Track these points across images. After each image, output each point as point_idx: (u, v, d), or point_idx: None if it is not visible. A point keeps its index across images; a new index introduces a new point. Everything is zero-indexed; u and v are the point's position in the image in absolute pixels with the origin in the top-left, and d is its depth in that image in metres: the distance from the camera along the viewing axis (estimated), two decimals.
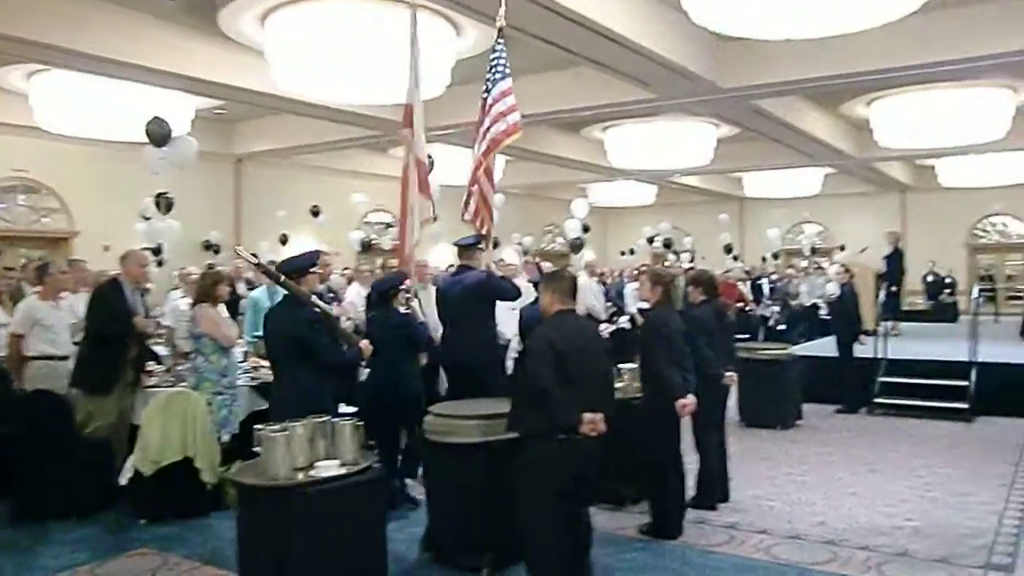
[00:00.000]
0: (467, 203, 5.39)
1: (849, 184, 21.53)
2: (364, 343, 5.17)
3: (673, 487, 5.21)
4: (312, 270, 5.06)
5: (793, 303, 14.17)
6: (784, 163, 17.86)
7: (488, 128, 5.26)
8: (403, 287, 5.83)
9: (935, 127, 13.49)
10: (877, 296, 11.94)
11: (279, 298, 5.17)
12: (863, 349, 9.30)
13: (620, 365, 5.84)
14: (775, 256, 17.39)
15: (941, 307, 17.30)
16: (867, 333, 9.77)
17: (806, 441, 7.91)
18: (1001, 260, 22.61)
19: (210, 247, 15.59)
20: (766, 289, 14.40)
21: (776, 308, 14.36)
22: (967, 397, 8.79)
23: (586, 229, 16.90)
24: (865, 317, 9.63)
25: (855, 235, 20.32)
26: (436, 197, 6.30)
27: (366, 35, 9.19)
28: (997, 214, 22.21)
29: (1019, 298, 20.85)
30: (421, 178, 5.40)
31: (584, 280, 9.92)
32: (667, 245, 16.19)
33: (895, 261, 12.11)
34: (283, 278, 4.78)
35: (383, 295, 5.84)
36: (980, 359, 9.07)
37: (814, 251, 18.50)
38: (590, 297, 10.41)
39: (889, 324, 12.17)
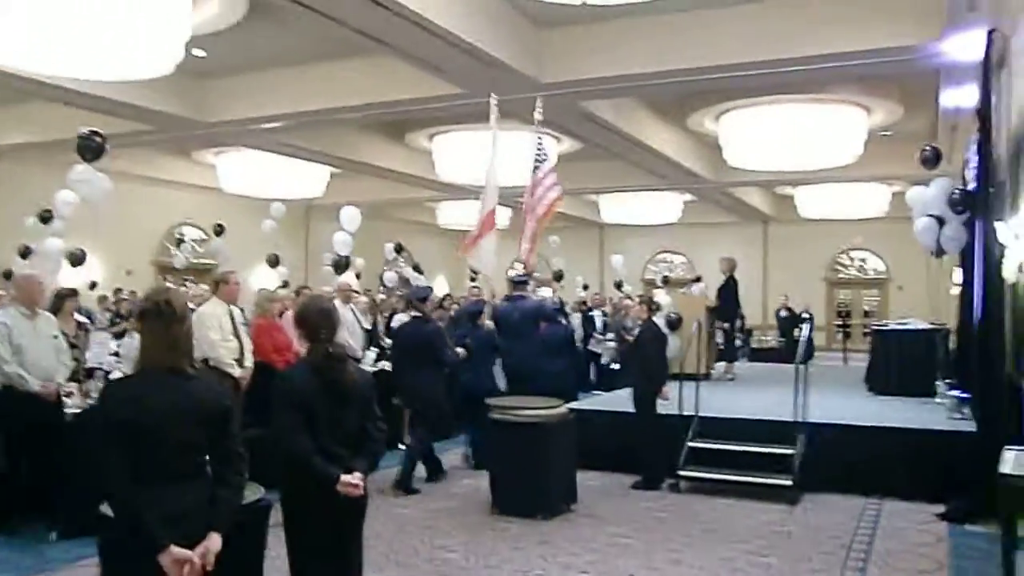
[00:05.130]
0: (531, 251, 7.34)
1: (711, 213, 20.40)
2: (461, 350, 7.35)
3: None
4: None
5: (630, 338, 11.99)
6: (636, 185, 16.39)
7: (541, 198, 7.29)
8: (483, 310, 7.93)
9: (786, 145, 12.00)
10: (711, 334, 10.07)
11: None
12: (667, 404, 7.04)
13: None
14: (618, 286, 15.53)
15: (794, 345, 15.43)
16: (696, 377, 7.64)
17: (561, 544, 5.41)
18: (859, 295, 21.65)
19: None
20: (599, 323, 12.24)
21: (612, 344, 12.21)
22: (792, 469, 6.63)
23: (399, 250, 14.57)
24: (670, 363, 7.41)
25: (717, 266, 18.98)
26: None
27: None
28: (856, 248, 21.31)
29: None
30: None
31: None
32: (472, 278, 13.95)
33: (729, 293, 10.09)
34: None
35: (473, 316, 8.01)
36: (810, 418, 6.97)
37: (667, 280, 16.67)
38: (343, 332, 8.19)
39: (722, 366, 10.45)
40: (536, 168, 7.32)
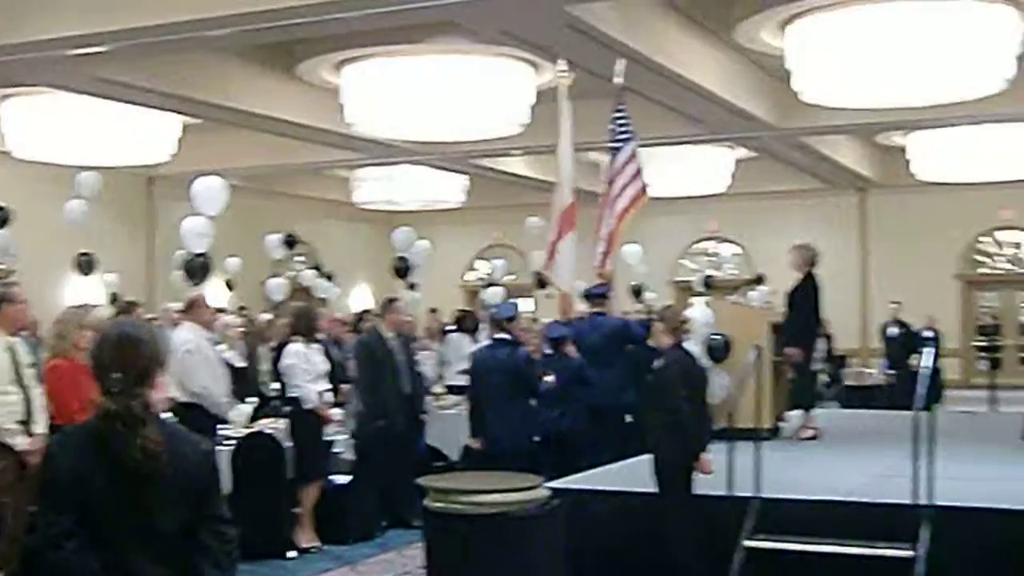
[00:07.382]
0: (608, 255, 9.70)
1: (776, 178, 21.26)
2: (551, 378, 9.09)
3: None
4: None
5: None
6: (659, 135, 16.56)
7: (621, 191, 9.34)
8: (567, 335, 9.66)
9: (894, 65, 12.03)
10: (779, 367, 10.27)
11: None
12: (709, 480, 7.12)
13: None
14: (636, 293, 15.77)
15: (911, 379, 15.44)
16: (757, 435, 7.81)
17: None
18: (1012, 301, 22.43)
19: None
20: None
21: None
22: None
23: (291, 243, 14.51)
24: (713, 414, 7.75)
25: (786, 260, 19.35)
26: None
27: None
28: (1006, 228, 21.91)
29: None
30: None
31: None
32: (400, 272, 14.01)
33: (806, 300, 10.09)
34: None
35: (556, 343, 9.56)
36: (940, 500, 7.02)
37: (710, 284, 16.84)
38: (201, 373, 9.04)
39: (797, 417, 10.77)
40: (615, 152, 9.07)
